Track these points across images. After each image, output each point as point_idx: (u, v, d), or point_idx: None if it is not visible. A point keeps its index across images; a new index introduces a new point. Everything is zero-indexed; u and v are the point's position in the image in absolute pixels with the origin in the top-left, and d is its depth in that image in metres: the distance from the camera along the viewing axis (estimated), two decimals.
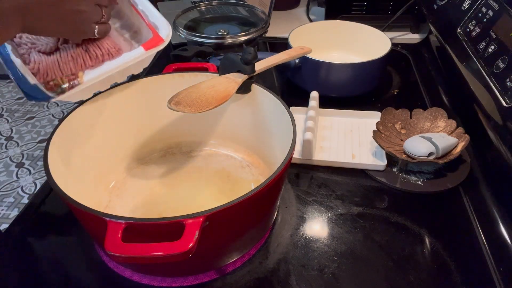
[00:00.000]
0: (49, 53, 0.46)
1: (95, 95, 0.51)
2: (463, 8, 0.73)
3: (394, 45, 0.82)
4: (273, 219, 0.53)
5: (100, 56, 0.47)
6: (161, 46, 0.48)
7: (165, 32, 0.48)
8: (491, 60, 0.59)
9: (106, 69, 0.46)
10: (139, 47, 0.47)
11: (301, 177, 0.61)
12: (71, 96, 0.44)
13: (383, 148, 0.60)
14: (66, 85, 0.43)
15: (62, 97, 0.43)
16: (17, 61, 0.44)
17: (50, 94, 0.42)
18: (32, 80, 0.43)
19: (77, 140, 0.51)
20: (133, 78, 0.54)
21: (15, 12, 0.39)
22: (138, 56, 0.47)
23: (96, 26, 0.46)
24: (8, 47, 0.45)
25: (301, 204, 0.56)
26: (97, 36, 0.47)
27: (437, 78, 0.84)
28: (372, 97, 0.79)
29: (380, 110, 0.68)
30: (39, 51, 0.46)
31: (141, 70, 0.49)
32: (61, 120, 0.48)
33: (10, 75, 0.44)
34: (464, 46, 0.68)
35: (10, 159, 1.98)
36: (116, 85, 0.55)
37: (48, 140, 0.46)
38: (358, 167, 0.62)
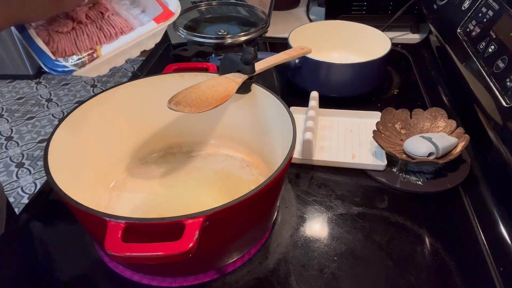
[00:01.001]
0: (66, 32, 0.48)
1: (95, 93, 0.51)
2: (463, 8, 0.73)
3: (394, 45, 0.82)
4: (273, 219, 0.53)
5: (114, 35, 0.48)
6: (172, 19, 0.49)
7: (175, 5, 0.50)
8: (491, 60, 0.59)
9: (121, 42, 0.47)
10: (150, 21, 0.49)
11: (301, 177, 0.61)
12: (89, 71, 0.46)
13: (383, 148, 0.60)
14: (86, 58, 0.45)
15: (82, 70, 0.45)
16: (38, 40, 0.46)
17: (72, 67, 0.44)
18: (53, 56, 0.45)
19: (77, 140, 0.51)
20: (133, 78, 0.54)
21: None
22: (151, 29, 0.48)
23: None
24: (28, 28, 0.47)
25: (301, 204, 0.56)
26: (86, 1, 0.45)
27: (437, 78, 0.84)
28: (372, 97, 0.79)
29: (380, 110, 0.68)
30: (56, 31, 0.47)
31: (153, 45, 0.50)
32: (61, 120, 0.49)
33: (32, 53, 0.45)
34: (464, 46, 0.68)
35: (10, 159, 1.98)
36: (116, 85, 0.55)
37: (48, 140, 0.46)
38: (358, 167, 0.62)
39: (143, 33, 0.48)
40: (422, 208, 0.56)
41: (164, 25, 0.49)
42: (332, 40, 0.87)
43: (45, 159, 0.43)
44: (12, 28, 0.45)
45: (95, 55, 0.45)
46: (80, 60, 0.44)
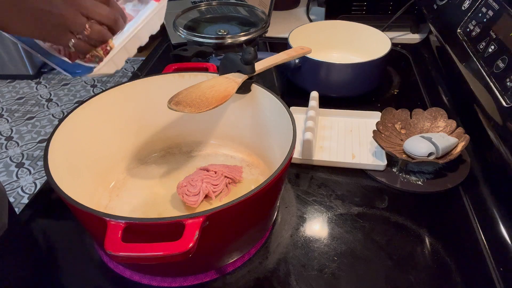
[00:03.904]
0: None
1: (95, 93, 0.51)
2: (463, 8, 0.73)
3: (394, 45, 0.82)
4: (273, 219, 0.53)
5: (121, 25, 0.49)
6: None
7: None
8: (491, 60, 0.59)
9: (129, 30, 0.48)
10: (150, 2, 0.49)
11: (301, 177, 0.61)
12: (108, 66, 0.46)
13: (383, 148, 0.60)
14: (101, 53, 0.45)
15: (101, 66, 0.45)
16: (52, 50, 0.47)
17: (91, 65, 0.45)
18: (69, 60, 0.46)
19: (77, 140, 0.51)
20: (133, 78, 0.54)
21: None
22: (154, 9, 0.49)
23: (73, 40, 0.41)
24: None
25: (301, 204, 0.56)
26: (72, 49, 0.42)
27: (437, 78, 0.84)
28: (372, 97, 0.79)
29: (380, 110, 0.68)
30: None
31: (159, 26, 0.51)
32: (61, 120, 0.49)
33: (51, 63, 0.46)
34: (464, 46, 0.68)
35: (10, 159, 1.98)
36: (116, 85, 0.55)
37: (48, 140, 0.46)
38: (358, 167, 0.62)
39: (147, 14, 0.48)
40: (422, 208, 0.56)
41: (164, 3, 0.49)
42: (332, 40, 0.87)
43: (45, 159, 0.43)
44: (24, 46, 0.45)
45: (108, 47, 0.45)
46: (96, 57, 0.45)
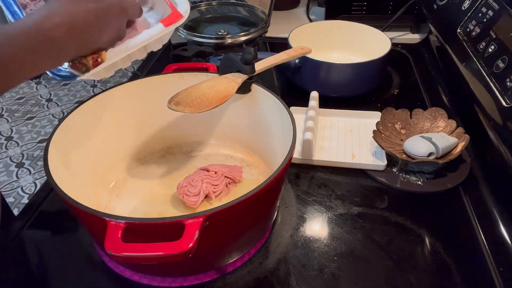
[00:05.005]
0: None
1: (95, 93, 0.51)
2: (463, 8, 0.73)
3: (394, 45, 0.82)
4: (273, 219, 0.53)
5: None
6: (180, 22, 0.48)
7: (184, 7, 0.48)
8: (491, 60, 0.59)
9: (127, 46, 0.45)
10: (158, 24, 0.47)
11: (301, 177, 0.61)
12: (95, 74, 0.44)
13: (383, 148, 0.60)
14: (90, 63, 0.43)
15: (86, 75, 0.43)
16: None
17: (76, 72, 0.43)
18: None
19: (77, 140, 0.51)
20: (133, 78, 0.54)
21: (64, 29, 0.36)
22: (158, 32, 0.47)
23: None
24: None
25: (301, 204, 0.56)
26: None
27: (437, 78, 0.84)
28: (372, 97, 0.79)
29: (380, 110, 0.68)
30: None
31: (160, 46, 0.49)
32: (61, 120, 0.49)
33: None
34: (464, 46, 0.68)
35: (10, 159, 1.98)
36: (116, 85, 0.55)
37: (48, 140, 0.46)
38: (358, 167, 0.62)
39: (150, 36, 0.46)
40: (422, 208, 0.56)
41: (172, 28, 0.47)
42: (332, 40, 0.87)
43: (45, 159, 0.43)
44: None
45: (99, 59, 0.43)
46: (84, 66, 0.42)
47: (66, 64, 0.42)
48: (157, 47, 0.49)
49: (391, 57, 0.76)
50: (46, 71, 0.42)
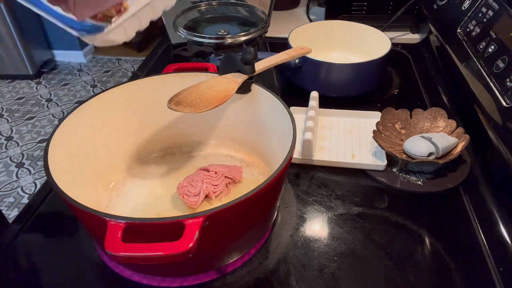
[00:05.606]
0: None
1: (95, 93, 0.51)
2: (463, 8, 0.73)
3: (394, 45, 0.82)
4: (273, 219, 0.53)
5: None
6: None
7: None
8: (491, 60, 0.59)
9: None
10: None
11: (301, 177, 0.61)
12: (118, 32, 0.43)
13: (383, 148, 0.60)
14: (114, 12, 0.42)
15: (112, 28, 0.42)
16: (57, 8, 0.43)
17: (101, 24, 0.42)
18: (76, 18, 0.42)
19: (77, 140, 0.51)
20: (133, 78, 0.54)
21: None
22: None
23: None
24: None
25: (301, 204, 0.56)
26: None
27: (437, 78, 0.84)
28: (372, 97, 0.79)
29: (380, 110, 0.68)
30: None
31: (174, 3, 0.48)
32: (61, 120, 0.49)
33: (56, 21, 0.42)
34: (464, 46, 0.68)
35: (10, 159, 1.98)
36: (116, 85, 0.55)
37: (48, 140, 0.46)
38: (358, 167, 0.62)
39: None
40: (422, 208, 0.56)
41: None
42: (332, 40, 0.87)
43: (45, 159, 0.43)
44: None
45: (122, 8, 0.42)
46: (109, 16, 0.41)
47: (89, 21, 0.41)
48: (172, 0, 0.48)
49: (391, 57, 0.76)
50: (69, 30, 0.40)
